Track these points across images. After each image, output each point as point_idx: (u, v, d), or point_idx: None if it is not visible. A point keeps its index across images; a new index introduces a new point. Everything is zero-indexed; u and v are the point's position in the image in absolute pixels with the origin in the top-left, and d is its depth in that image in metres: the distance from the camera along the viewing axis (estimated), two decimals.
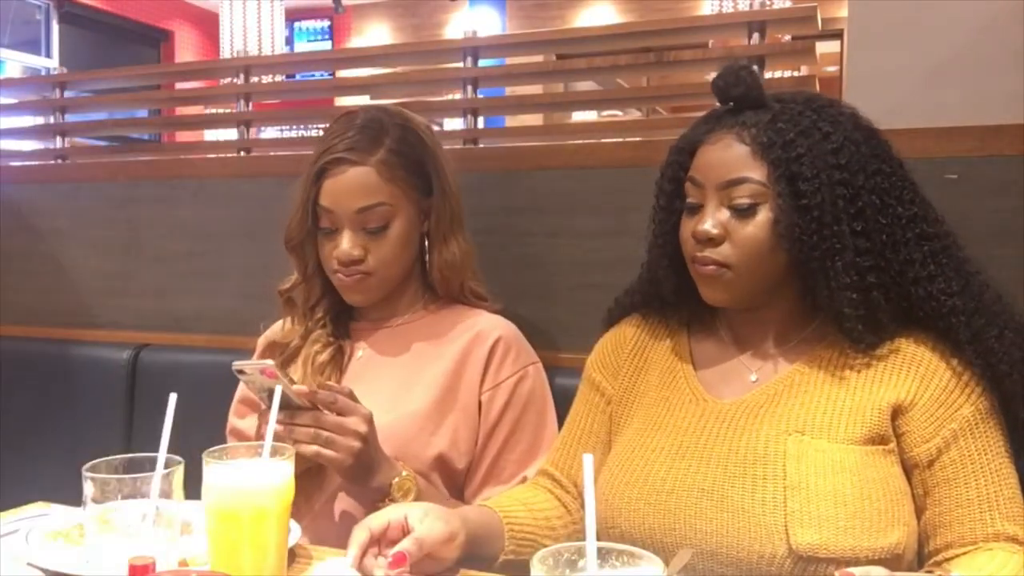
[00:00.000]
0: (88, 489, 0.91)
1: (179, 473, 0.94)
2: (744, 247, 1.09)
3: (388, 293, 1.41)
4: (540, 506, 1.22)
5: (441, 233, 1.40)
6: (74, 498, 1.03)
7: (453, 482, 1.36)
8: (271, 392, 1.17)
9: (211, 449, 0.96)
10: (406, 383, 1.38)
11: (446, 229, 1.40)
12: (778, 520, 1.01)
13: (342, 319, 1.46)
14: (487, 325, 1.41)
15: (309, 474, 1.30)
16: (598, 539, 0.72)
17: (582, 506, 0.99)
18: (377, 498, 1.25)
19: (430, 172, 1.39)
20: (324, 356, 1.39)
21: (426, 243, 1.42)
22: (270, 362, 1.16)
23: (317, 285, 1.42)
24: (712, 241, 1.10)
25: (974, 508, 1.03)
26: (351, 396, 1.22)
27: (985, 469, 1.04)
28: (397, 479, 1.24)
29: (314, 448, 1.18)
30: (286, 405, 1.19)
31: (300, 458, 1.23)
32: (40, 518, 1.20)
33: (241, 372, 1.17)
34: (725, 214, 1.10)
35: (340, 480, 1.29)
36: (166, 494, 0.92)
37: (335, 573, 1.05)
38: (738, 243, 1.09)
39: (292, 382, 1.20)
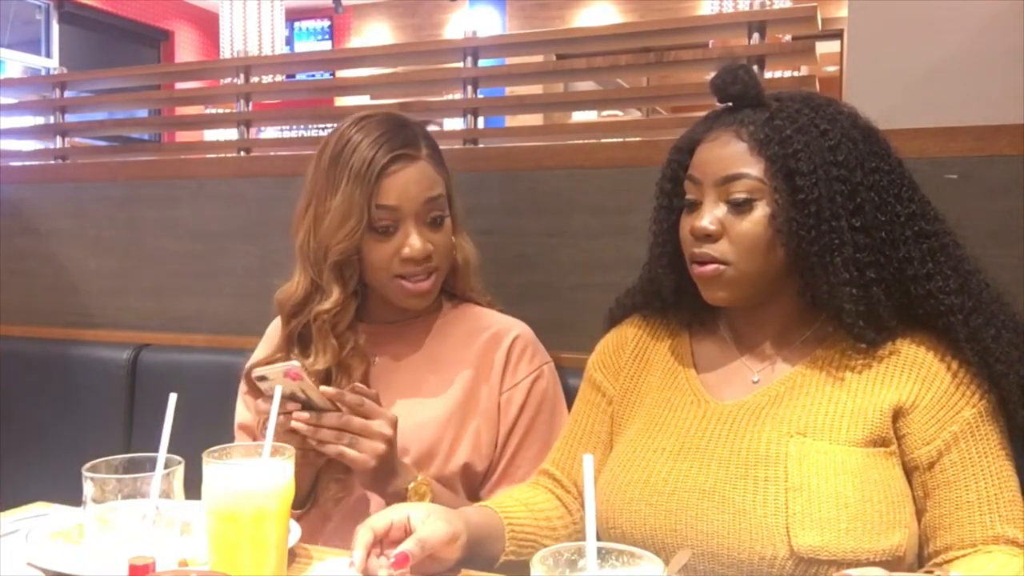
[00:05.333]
0: (88, 489, 0.91)
1: (179, 473, 0.94)
2: (741, 243, 1.09)
3: None
4: (541, 506, 1.22)
5: (458, 227, 1.40)
6: (74, 498, 1.03)
7: (471, 484, 1.36)
8: (293, 396, 1.16)
9: (211, 449, 0.96)
10: (427, 389, 1.37)
11: (459, 225, 1.40)
12: (780, 522, 1.01)
13: (354, 326, 1.38)
14: (503, 325, 1.41)
15: (332, 473, 1.30)
16: (598, 539, 0.72)
17: (583, 506, 0.98)
18: (393, 503, 1.23)
19: (446, 168, 1.39)
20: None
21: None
22: (295, 363, 1.14)
23: (352, 304, 1.35)
24: (710, 237, 1.10)
25: (974, 510, 1.03)
26: (376, 399, 1.22)
27: (985, 471, 1.04)
28: (412, 484, 1.24)
29: (338, 448, 1.18)
30: (309, 407, 1.18)
31: (329, 463, 1.23)
32: (40, 518, 1.20)
33: (263, 379, 1.15)
34: (722, 210, 1.10)
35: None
36: (166, 494, 0.92)
37: (335, 573, 1.05)
38: (735, 239, 1.09)
39: (317, 383, 1.19)
